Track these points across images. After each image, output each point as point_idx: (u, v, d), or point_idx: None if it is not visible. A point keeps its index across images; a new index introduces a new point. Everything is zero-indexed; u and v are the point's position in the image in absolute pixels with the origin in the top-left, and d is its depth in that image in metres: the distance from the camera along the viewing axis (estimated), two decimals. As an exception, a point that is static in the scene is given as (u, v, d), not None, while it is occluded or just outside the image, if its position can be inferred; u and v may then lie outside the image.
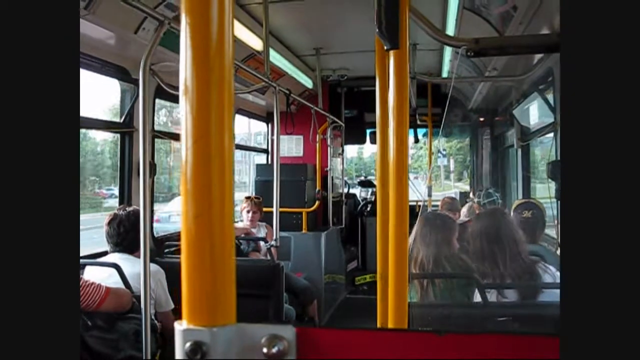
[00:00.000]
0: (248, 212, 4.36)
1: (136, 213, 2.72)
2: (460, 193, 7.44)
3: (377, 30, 1.17)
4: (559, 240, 2.98)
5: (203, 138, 0.51)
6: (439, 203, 6.08)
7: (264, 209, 4.43)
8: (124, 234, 2.73)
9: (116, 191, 3.54)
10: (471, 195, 6.88)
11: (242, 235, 4.16)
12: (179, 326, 0.54)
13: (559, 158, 3.27)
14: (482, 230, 2.37)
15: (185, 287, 0.53)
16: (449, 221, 2.74)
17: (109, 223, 2.76)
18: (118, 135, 3.48)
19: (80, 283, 2.35)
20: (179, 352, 0.53)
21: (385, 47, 1.19)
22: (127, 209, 2.79)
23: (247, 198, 4.48)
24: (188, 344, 0.53)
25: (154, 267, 2.65)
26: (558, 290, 2.20)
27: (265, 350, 0.54)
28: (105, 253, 2.85)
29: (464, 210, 4.34)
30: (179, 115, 0.54)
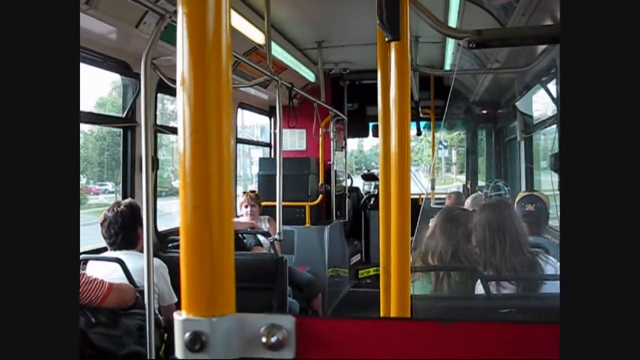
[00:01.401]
0: (246, 206, 4.35)
1: (123, 212, 2.73)
2: (463, 186, 7.43)
3: (378, 21, 1.17)
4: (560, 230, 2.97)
5: (200, 129, 0.51)
6: (441, 196, 6.09)
7: (268, 203, 4.42)
8: (115, 236, 2.74)
9: (110, 186, 3.54)
10: (468, 186, 6.87)
11: (248, 229, 4.16)
12: (179, 317, 0.54)
13: (562, 150, 3.25)
14: (486, 221, 2.37)
15: (185, 277, 0.53)
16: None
17: (101, 224, 2.78)
18: (106, 129, 3.46)
19: (83, 279, 2.33)
20: (178, 343, 0.53)
21: (386, 39, 1.19)
22: (115, 208, 2.77)
23: (244, 193, 4.48)
24: (187, 334, 0.53)
25: (156, 261, 2.64)
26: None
27: (264, 339, 0.54)
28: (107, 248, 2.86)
29: (469, 201, 4.33)
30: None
